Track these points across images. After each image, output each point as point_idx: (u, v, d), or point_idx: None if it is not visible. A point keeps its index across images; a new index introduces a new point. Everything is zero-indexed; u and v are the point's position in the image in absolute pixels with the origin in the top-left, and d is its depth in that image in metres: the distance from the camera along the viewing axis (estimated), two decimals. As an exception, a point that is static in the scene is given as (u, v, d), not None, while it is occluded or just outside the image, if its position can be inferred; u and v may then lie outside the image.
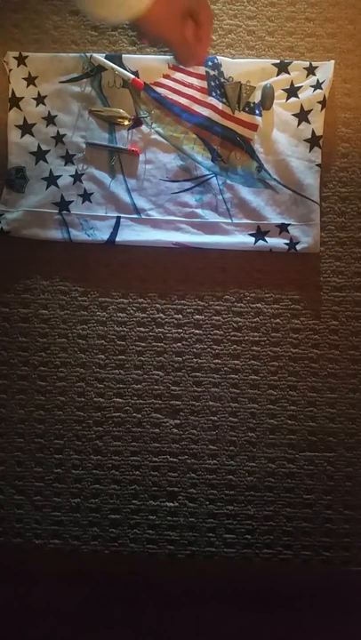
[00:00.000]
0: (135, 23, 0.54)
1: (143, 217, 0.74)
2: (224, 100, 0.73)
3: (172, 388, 0.73)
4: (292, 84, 0.73)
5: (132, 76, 0.73)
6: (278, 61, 0.73)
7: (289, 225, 0.72)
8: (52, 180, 0.75)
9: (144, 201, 0.74)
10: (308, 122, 0.72)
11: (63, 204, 0.74)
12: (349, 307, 0.73)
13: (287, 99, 0.73)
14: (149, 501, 0.72)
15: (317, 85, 0.72)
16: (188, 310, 0.74)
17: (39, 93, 0.75)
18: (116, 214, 0.74)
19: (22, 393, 0.74)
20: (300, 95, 0.72)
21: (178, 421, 0.73)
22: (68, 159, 0.75)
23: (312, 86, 0.72)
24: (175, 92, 0.73)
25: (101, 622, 0.69)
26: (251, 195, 0.73)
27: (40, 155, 0.75)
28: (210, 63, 0.73)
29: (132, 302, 0.74)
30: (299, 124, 0.73)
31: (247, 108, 0.73)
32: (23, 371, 0.74)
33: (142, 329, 0.74)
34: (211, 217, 0.73)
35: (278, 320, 0.73)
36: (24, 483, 0.74)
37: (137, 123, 0.74)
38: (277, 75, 0.73)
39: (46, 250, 0.75)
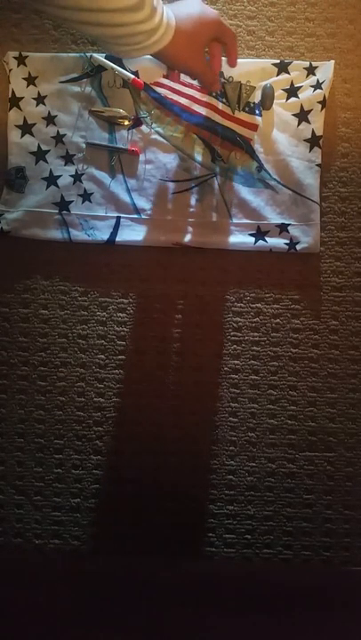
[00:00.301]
0: (157, 57, 0.58)
1: (143, 217, 0.74)
2: (224, 100, 0.73)
3: (172, 388, 0.73)
4: (292, 84, 0.72)
5: (132, 76, 0.73)
6: (278, 61, 0.73)
7: (289, 225, 0.72)
8: (52, 180, 0.75)
9: (144, 201, 0.74)
10: (308, 122, 0.72)
11: (63, 204, 0.74)
12: (349, 307, 0.73)
13: (287, 99, 0.73)
14: (149, 501, 0.72)
15: (317, 85, 0.72)
16: (188, 310, 0.74)
17: (39, 93, 0.75)
18: (116, 214, 0.74)
19: (22, 393, 0.74)
20: (300, 95, 0.72)
21: (178, 421, 0.73)
22: (68, 159, 0.75)
23: (312, 86, 0.72)
24: (175, 91, 0.73)
25: (101, 622, 0.69)
26: (251, 195, 0.73)
27: (40, 155, 0.75)
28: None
29: (132, 302, 0.74)
30: (299, 124, 0.73)
31: (247, 108, 0.73)
32: (23, 371, 0.74)
33: (142, 329, 0.74)
34: (211, 217, 0.73)
35: (278, 320, 0.73)
36: (24, 483, 0.74)
37: (137, 123, 0.74)
38: (277, 75, 0.73)
39: (46, 250, 0.75)
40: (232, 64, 0.66)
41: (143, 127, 0.74)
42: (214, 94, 0.73)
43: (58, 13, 0.47)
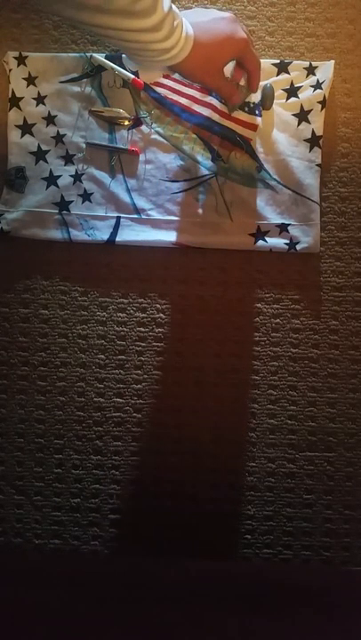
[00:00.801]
0: (173, 70, 0.58)
1: (143, 217, 0.74)
2: (223, 101, 0.73)
3: (172, 387, 0.73)
4: (292, 84, 0.72)
5: (132, 76, 0.73)
6: (278, 61, 0.73)
7: (289, 225, 0.72)
8: (52, 180, 0.75)
9: (144, 201, 0.74)
10: (308, 122, 0.72)
11: (63, 204, 0.74)
12: (349, 307, 0.73)
13: (287, 99, 0.73)
14: (149, 501, 0.72)
15: (317, 85, 0.72)
16: (188, 310, 0.74)
17: (39, 93, 0.75)
18: (116, 214, 0.74)
19: (22, 393, 0.74)
20: (300, 95, 0.72)
21: (178, 421, 0.73)
22: (68, 159, 0.75)
23: (312, 86, 0.72)
24: (175, 91, 0.73)
25: (101, 622, 0.69)
26: (251, 195, 0.73)
27: (40, 155, 0.75)
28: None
29: (132, 302, 0.74)
30: (299, 124, 0.73)
31: (247, 108, 0.73)
32: (23, 371, 0.74)
33: (142, 329, 0.74)
34: (211, 217, 0.73)
35: (278, 320, 0.73)
36: (24, 483, 0.74)
37: (137, 123, 0.74)
38: (277, 75, 0.73)
39: (46, 250, 0.75)
40: (252, 90, 0.66)
41: (143, 127, 0.74)
42: (214, 94, 0.73)
43: (74, 20, 0.49)
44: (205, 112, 0.73)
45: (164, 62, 0.55)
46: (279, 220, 0.73)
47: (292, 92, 0.73)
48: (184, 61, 0.55)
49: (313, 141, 0.72)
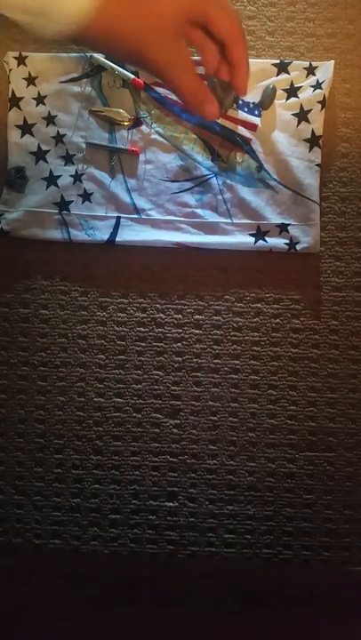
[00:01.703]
0: (92, 43, 0.37)
1: (143, 217, 0.74)
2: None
3: (172, 387, 0.73)
4: (291, 84, 0.72)
5: (132, 76, 0.73)
6: (278, 61, 0.73)
7: (289, 225, 0.72)
8: (52, 180, 0.75)
9: (144, 201, 0.74)
10: (307, 122, 0.72)
11: (63, 204, 0.74)
12: (349, 307, 0.73)
13: (287, 99, 0.73)
14: (149, 501, 0.72)
15: (317, 85, 0.72)
16: (188, 310, 0.74)
17: (39, 93, 0.75)
18: (116, 214, 0.74)
19: (22, 393, 0.74)
20: (299, 95, 0.72)
21: (178, 421, 0.73)
22: (68, 159, 0.75)
23: (312, 86, 0.72)
24: (175, 91, 0.73)
25: (101, 622, 0.69)
26: (251, 195, 0.73)
27: (40, 155, 0.75)
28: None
29: (132, 302, 0.74)
30: (298, 124, 0.73)
31: (247, 109, 0.73)
32: (23, 371, 0.74)
33: (142, 329, 0.74)
34: (211, 217, 0.73)
35: (278, 320, 0.73)
36: (24, 483, 0.74)
37: (137, 123, 0.74)
38: (277, 75, 0.73)
39: (46, 250, 0.75)
40: (239, 89, 0.43)
41: (143, 127, 0.74)
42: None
43: None
44: (205, 112, 0.73)
45: (68, 26, 0.34)
46: (279, 220, 0.73)
47: (292, 91, 0.73)
48: (98, 18, 0.34)
49: (313, 141, 0.72)
